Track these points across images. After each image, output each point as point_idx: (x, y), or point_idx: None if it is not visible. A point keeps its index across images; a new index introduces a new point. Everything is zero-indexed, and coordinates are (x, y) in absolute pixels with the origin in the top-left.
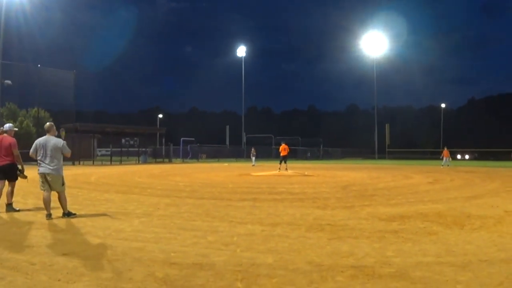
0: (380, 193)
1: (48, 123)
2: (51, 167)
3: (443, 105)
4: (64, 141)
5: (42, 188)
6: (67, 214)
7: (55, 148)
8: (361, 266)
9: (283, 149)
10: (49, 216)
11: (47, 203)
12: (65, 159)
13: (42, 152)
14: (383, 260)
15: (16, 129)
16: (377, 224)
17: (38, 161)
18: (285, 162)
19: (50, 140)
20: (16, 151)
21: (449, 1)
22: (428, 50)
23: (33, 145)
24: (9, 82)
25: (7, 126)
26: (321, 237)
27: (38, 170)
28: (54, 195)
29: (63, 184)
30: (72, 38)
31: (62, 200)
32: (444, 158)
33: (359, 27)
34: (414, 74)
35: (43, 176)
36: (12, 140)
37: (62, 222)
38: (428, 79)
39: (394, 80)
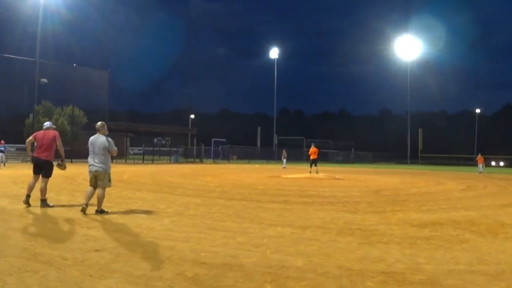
0: (412, 198)
1: (99, 123)
2: (98, 164)
3: (477, 111)
4: (111, 140)
5: (90, 183)
6: (100, 212)
7: (102, 147)
8: (391, 272)
9: (313, 152)
10: (85, 206)
11: (88, 196)
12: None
13: (91, 150)
14: (414, 266)
15: (55, 127)
16: (409, 230)
17: (88, 158)
18: (315, 165)
19: (98, 139)
20: (60, 143)
21: (485, 5)
22: (463, 54)
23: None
24: (45, 80)
25: (47, 124)
26: (351, 241)
27: (89, 167)
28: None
29: (109, 180)
30: (107, 38)
31: (100, 196)
32: (479, 165)
33: (392, 30)
34: (449, 79)
35: (92, 173)
36: (56, 132)
37: (94, 219)
38: (462, 83)
39: (427, 85)
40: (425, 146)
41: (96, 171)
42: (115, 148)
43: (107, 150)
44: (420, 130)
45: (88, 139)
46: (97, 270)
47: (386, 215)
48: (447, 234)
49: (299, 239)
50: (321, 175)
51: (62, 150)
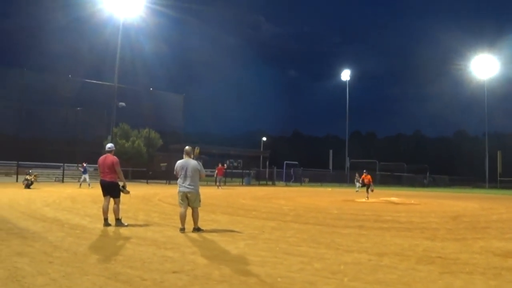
0: (493, 225)
1: (187, 147)
2: (191, 187)
3: None
4: (200, 163)
5: (180, 204)
6: (197, 229)
7: (194, 170)
8: None
9: (364, 178)
10: (182, 230)
11: (182, 218)
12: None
13: (182, 173)
14: None
15: (114, 148)
16: (492, 259)
17: (179, 181)
18: (366, 191)
19: (190, 162)
20: (119, 169)
21: None
22: None
23: (175, 166)
24: (123, 104)
25: (109, 146)
26: (431, 270)
27: (179, 189)
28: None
29: (199, 200)
30: (181, 63)
31: (195, 215)
32: None
33: (467, 49)
34: None
35: (184, 194)
36: (115, 159)
37: (170, 240)
38: None
39: (506, 105)
40: (504, 169)
41: (188, 192)
42: (204, 171)
43: (198, 173)
44: (499, 152)
45: (163, 161)
46: None
47: (467, 242)
48: None
49: (377, 267)
50: (394, 199)
51: (121, 175)
